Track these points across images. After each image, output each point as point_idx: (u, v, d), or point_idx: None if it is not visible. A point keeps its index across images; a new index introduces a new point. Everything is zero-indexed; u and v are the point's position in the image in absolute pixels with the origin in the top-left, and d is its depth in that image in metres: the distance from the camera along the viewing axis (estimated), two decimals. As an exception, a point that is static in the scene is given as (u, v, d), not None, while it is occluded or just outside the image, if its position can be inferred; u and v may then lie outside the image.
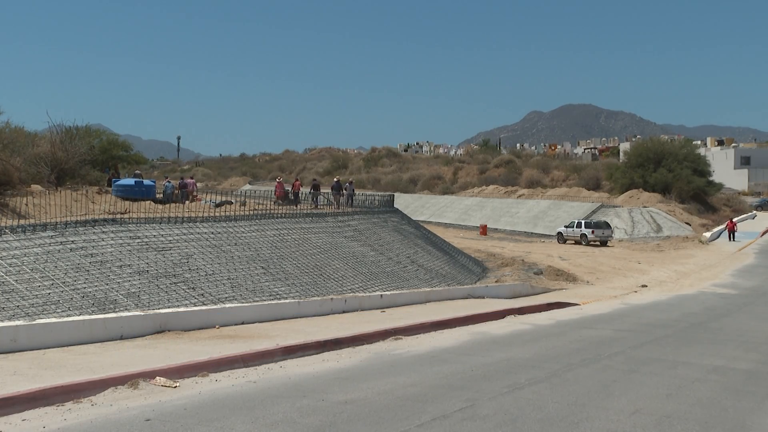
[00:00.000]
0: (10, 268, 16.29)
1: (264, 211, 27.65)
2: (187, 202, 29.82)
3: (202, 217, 23.55)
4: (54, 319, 12.18)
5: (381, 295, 19.16)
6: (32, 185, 26.70)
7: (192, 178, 41.61)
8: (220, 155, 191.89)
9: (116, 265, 18.24)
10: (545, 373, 10.43)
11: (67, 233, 18.72)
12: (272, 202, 33.73)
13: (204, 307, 14.96)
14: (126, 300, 16.88)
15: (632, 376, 10.45)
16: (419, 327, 14.57)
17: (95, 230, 19.58)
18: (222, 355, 10.65)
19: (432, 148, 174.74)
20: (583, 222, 48.90)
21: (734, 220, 53.85)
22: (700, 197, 63.05)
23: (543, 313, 18.76)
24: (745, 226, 56.58)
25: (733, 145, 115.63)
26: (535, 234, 55.95)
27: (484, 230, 57.04)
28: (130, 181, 29.59)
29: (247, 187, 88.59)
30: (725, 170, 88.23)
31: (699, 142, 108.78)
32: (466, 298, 22.11)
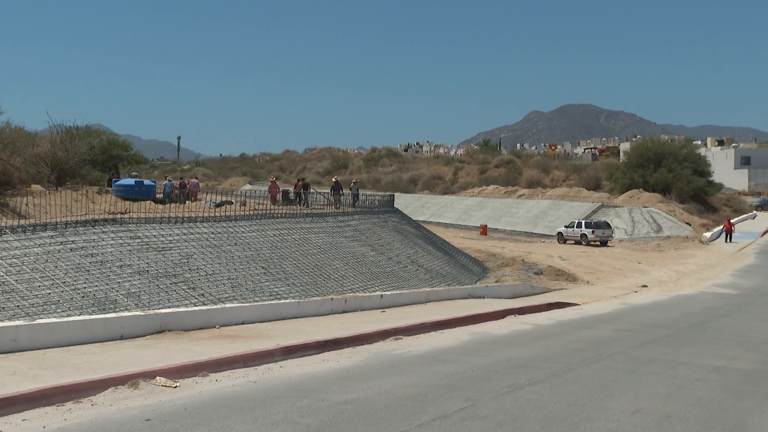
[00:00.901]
0: (11, 268, 16.30)
1: (264, 211, 27.66)
2: (188, 201, 29.84)
3: (203, 217, 23.57)
4: (54, 319, 12.18)
5: (381, 295, 19.17)
6: (32, 185, 26.67)
7: (195, 178, 41.66)
8: (221, 155, 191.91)
9: (116, 265, 18.24)
10: (545, 373, 10.43)
11: (67, 233, 18.72)
12: (270, 202, 33.70)
13: (204, 307, 14.97)
14: (126, 300, 16.88)
15: (632, 376, 10.46)
16: (419, 327, 14.58)
17: (95, 230, 19.58)
18: (222, 355, 10.65)
19: (432, 148, 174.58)
20: (583, 222, 48.88)
21: (732, 221, 53.81)
22: (701, 197, 63.05)
23: (543, 313, 18.76)
24: (746, 226, 56.60)
25: (733, 145, 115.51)
26: (536, 234, 55.95)
27: (484, 230, 57.04)
28: (130, 181, 29.61)
29: (248, 187, 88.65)
30: (725, 170, 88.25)
31: (699, 142, 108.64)
32: (467, 298, 22.11)
